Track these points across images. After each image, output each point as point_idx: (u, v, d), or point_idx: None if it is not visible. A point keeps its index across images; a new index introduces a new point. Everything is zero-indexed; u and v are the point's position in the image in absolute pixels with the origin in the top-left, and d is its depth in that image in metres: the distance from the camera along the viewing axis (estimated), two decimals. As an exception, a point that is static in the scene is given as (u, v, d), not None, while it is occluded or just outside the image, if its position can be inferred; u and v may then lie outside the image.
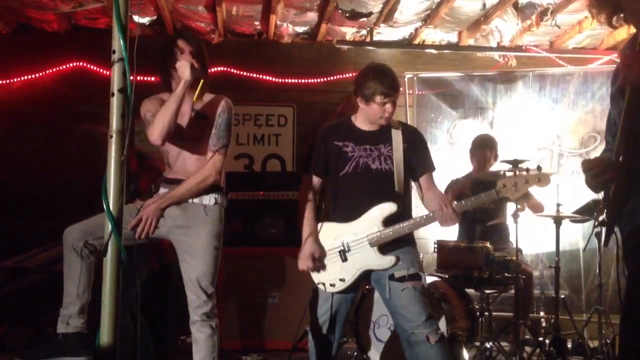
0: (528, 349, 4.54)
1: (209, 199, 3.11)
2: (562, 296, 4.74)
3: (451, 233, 5.11)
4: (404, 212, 3.16)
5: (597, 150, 5.65)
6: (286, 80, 6.36)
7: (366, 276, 3.22)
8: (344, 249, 3.19)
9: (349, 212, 3.21)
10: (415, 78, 6.26)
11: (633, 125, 2.20)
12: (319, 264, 3.19)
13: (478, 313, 4.46)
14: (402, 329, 3.07)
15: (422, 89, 6.31)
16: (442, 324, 3.93)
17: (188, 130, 3.14)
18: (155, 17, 5.96)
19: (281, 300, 5.08)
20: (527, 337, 4.66)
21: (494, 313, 4.73)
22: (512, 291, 4.54)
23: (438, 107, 6.27)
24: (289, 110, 6.32)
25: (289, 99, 6.34)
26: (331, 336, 3.24)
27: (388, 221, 3.12)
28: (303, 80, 6.38)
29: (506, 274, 4.42)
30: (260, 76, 6.31)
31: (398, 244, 3.13)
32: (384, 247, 3.12)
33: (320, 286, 3.24)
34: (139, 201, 3.25)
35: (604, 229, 4.72)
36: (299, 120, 6.31)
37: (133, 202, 3.29)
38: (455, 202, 3.07)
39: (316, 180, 3.35)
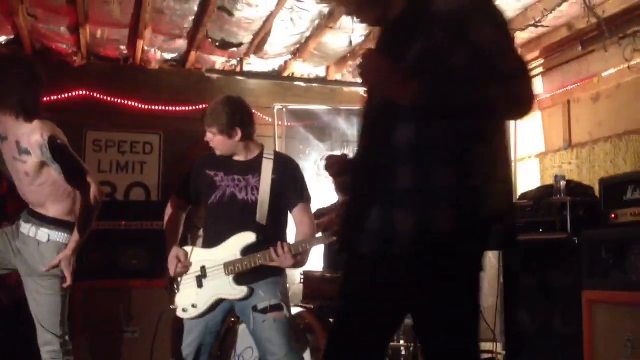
0: (389, 377, 4.66)
1: (43, 235, 2.96)
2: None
3: (317, 264, 5.18)
4: (266, 243, 3.15)
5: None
6: (153, 107, 6.19)
7: (229, 308, 3.19)
8: (201, 274, 3.18)
9: (212, 240, 3.22)
10: (284, 110, 6.35)
11: (369, 122, 2.02)
12: (183, 269, 3.17)
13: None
14: None
15: (291, 121, 6.40)
16: (307, 355, 3.95)
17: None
18: (13, 36, 5.64)
19: (142, 334, 4.88)
20: (389, 365, 4.78)
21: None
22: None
23: (306, 139, 6.37)
24: (156, 138, 6.17)
25: (155, 126, 6.19)
26: None
27: (246, 251, 3.12)
28: (171, 108, 6.24)
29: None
30: (126, 102, 6.11)
31: (262, 274, 3.12)
32: (243, 277, 3.12)
33: (178, 310, 3.20)
34: (6, 224, 3.06)
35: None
36: (165, 148, 6.18)
37: (1, 226, 3.10)
38: (292, 244, 3.14)
39: (180, 202, 3.41)
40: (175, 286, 3.23)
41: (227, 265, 3.13)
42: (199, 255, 3.24)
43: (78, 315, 4.61)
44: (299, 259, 3.17)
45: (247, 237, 3.14)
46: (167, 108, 6.22)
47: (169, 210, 3.42)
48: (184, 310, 3.19)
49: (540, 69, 5.76)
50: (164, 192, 6.08)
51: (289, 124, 6.38)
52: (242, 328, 4.05)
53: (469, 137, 1.81)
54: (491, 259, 5.52)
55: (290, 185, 3.30)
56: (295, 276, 5.14)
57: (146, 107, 6.17)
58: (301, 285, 4.68)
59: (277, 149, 6.16)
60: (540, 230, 4.24)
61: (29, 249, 2.91)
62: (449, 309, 1.86)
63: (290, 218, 3.39)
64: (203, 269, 3.19)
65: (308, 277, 4.63)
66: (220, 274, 3.15)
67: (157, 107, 6.20)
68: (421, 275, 1.82)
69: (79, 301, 4.63)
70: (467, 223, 1.80)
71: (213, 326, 3.22)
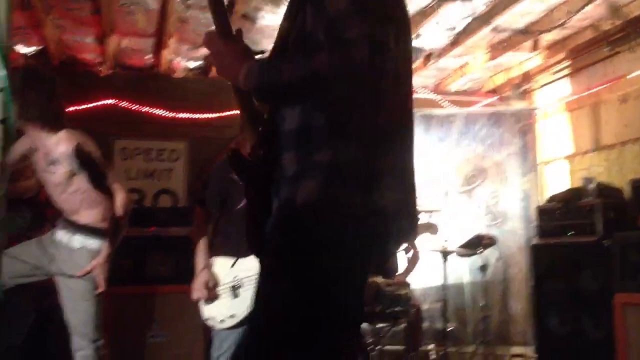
0: (418, 381, 4.63)
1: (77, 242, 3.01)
2: (450, 328, 4.90)
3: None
4: None
5: (480, 188, 5.94)
6: (179, 115, 6.26)
7: None
8: (236, 284, 3.14)
9: (243, 248, 3.15)
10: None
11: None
12: (212, 295, 3.13)
13: (370, 347, 4.51)
14: None
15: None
16: None
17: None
18: (40, 48, 5.73)
19: (171, 339, 4.91)
20: (417, 369, 4.75)
21: (385, 346, 4.79)
22: (403, 325, 4.63)
23: (330, 145, 6.36)
24: (182, 145, 6.22)
25: (181, 134, 6.25)
26: None
27: None
28: (196, 115, 6.30)
29: (397, 308, 4.51)
30: (152, 110, 6.17)
31: None
32: None
33: (209, 322, 3.17)
34: (48, 228, 3.12)
35: (489, 262, 5.01)
36: (192, 155, 6.22)
37: (43, 232, 3.15)
38: None
39: (205, 212, 3.33)
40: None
41: None
42: (227, 265, 3.18)
43: (107, 321, 4.64)
44: None
45: None
46: (192, 116, 6.27)
47: (195, 222, 3.37)
48: (221, 321, 3.14)
49: (567, 71, 5.71)
50: (190, 198, 6.13)
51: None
52: None
53: (351, 117, 1.64)
54: (519, 262, 5.47)
55: None
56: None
57: (172, 114, 6.23)
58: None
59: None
60: (570, 233, 4.19)
61: (63, 255, 2.95)
62: (264, 295, 1.67)
63: None
64: (236, 278, 3.14)
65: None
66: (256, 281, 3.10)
67: (182, 115, 6.25)
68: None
69: (107, 307, 4.66)
70: (337, 203, 1.60)
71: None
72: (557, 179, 5.78)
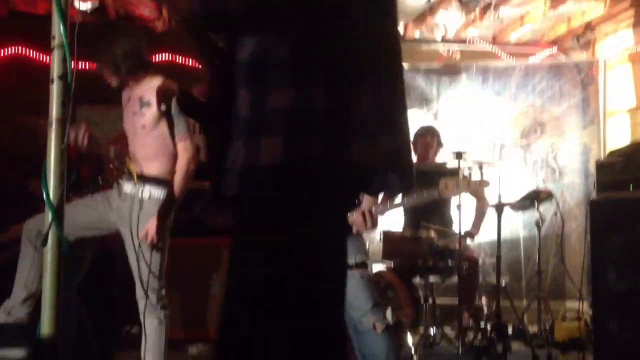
0: (470, 334, 4.65)
1: (145, 192, 3.08)
2: (503, 283, 4.87)
3: (397, 222, 5.19)
4: None
5: (538, 142, 5.81)
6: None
7: None
8: None
9: None
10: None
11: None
12: None
13: (422, 300, 4.55)
14: (349, 317, 3.06)
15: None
16: (388, 313, 3.98)
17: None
18: (97, 3, 5.83)
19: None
20: (470, 323, 4.77)
21: (437, 300, 4.82)
22: (456, 278, 4.64)
23: (384, 99, 6.30)
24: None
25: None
26: None
27: None
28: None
29: (449, 263, 4.52)
30: (207, 66, 6.22)
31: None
32: None
33: None
34: (84, 190, 3.23)
35: (545, 218, 4.93)
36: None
37: (81, 194, 3.27)
38: (383, 204, 3.09)
39: None
40: None
41: None
42: None
43: (167, 272, 4.82)
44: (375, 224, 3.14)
45: None
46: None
47: None
48: None
49: (631, 20, 5.47)
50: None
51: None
52: None
53: (314, 53, 1.39)
54: (577, 217, 5.37)
55: None
56: (375, 235, 5.17)
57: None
58: (380, 244, 4.70)
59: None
60: (631, 188, 4.08)
61: (131, 205, 3.05)
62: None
63: None
64: None
65: (388, 236, 4.65)
66: None
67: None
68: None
69: (168, 258, 4.82)
70: (306, 162, 1.37)
71: None
72: (619, 133, 5.60)
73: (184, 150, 3.11)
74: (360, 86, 1.44)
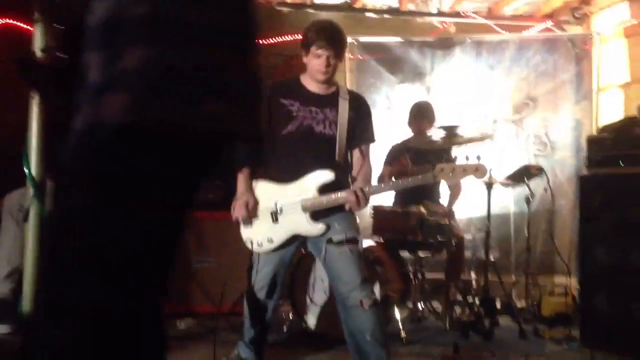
0: (458, 309, 4.68)
1: None
2: (492, 258, 4.90)
3: (387, 198, 5.20)
4: (342, 182, 3.13)
5: (530, 116, 5.79)
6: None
7: (301, 240, 3.23)
8: (276, 210, 3.16)
9: (286, 174, 3.16)
10: (355, 42, 6.24)
11: None
12: (252, 216, 3.18)
13: (411, 275, 4.56)
14: (337, 292, 3.08)
15: (362, 54, 6.30)
16: (376, 288, 4.00)
17: None
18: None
19: (218, 265, 5.07)
20: (458, 298, 4.80)
21: (426, 275, 4.84)
22: (445, 254, 4.65)
23: (377, 72, 6.28)
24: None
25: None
26: (268, 300, 3.26)
27: (324, 189, 3.08)
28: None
29: (439, 238, 4.53)
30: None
31: (337, 207, 3.09)
32: (318, 213, 3.10)
33: (247, 244, 3.22)
34: None
35: (535, 193, 4.93)
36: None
37: None
38: (368, 189, 3.08)
39: None
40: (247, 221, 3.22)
41: (304, 203, 3.08)
42: (271, 190, 3.19)
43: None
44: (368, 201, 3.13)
45: (326, 175, 3.08)
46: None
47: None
48: (258, 244, 3.19)
49: (627, -7, 5.41)
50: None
51: (360, 57, 6.29)
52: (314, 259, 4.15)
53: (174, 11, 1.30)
54: (568, 193, 5.38)
55: (362, 123, 3.25)
56: (365, 210, 5.17)
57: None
58: (370, 220, 4.70)
59: (347, 83, 6.12)
60: (621, 163, 4.07)
61: None
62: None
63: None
64: (277, 204, 3.16)
65: (378, 212, 4.64)
66: (297, 210, 3.11)
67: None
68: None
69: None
70: (152, 119, 1.27)
71: (287, 258, 3.25)
72: (612, 108, 5.58)
73: None
74: (217, 48, 1.35)
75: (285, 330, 4.33)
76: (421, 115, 5.07)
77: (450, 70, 6.06)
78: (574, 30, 6.16)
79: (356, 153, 3.27)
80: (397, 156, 5.07)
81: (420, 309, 4.69)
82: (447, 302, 4.56)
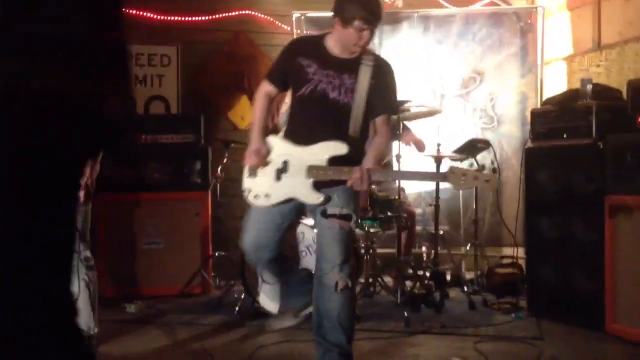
0: (409, 283, 4.73)
1: None
2: (442, 232, 4.95)
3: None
4: (354, 156, 3.00)
5: (477, 90, 5.84)
6: (169, 18, 6.08)
7: (299, 206, 3.12)
8: (282, 168, 3.06)
9: (298, 135, 3.07)
10: (303, 17, 6.16)
11: None
12: (262, 165, 3.07)
13: (363, 251, 4.58)
14: (318, 267, 3.01)
15: (311, 29, 6.22)
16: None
17: None
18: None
19: (166, 246, 5.00)
20: (409, 272, 4.84)
21: (377, 250, 4.87)
22: (395, 229, 4.68)
23: (325, 48, 6.21)
24: (173, 50, 6.08)
25: (172, 38, 6.09)
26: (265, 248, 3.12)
27: (333, 160, 2.97)
28: (187, 18, 6.12)
29: (389, 213, 4.54)
30: (141, 13, 5.99)
31: (339, 181, 2.98)
32: (321, 183, 3.00)
33: (245, 193, 3.12)
34: None
35: (483, 166, 5.00)
36: (183, 60, 6.09)
37: None
38: (384, 172, 3.03)
39: (272, 88, 3.19)
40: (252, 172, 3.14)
41: (310, 169, 2.98)
42: (283, 148, 3.10)
43: (101, 228, 4.72)
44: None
45: (338, 148, 2.97)
46: (183, 18, 6.10)
47: (257, 95, 3.25)
48: (255, 196, 3.09)
49: (570, -34, 5.48)
50: (183, 105, 6.05)
51: (307, 32, 6.21)
52: (299, 228, 4.13)
53: None
54: (514, 164, 5.46)
55: (384, 92, 3.08)
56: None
57: (162, 17, 6.06)
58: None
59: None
60: (565, 135, 4.14)
61: None
62: None
63: None
64: (285, 163, 3.06)
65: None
66: (301, 174, 3.00)
67: (173, 18, 6.08)
68: None
69: (103, 214, 4.72)
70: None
71: (280, 219, 3.11)
72: (556, 81, 5.66)
73: None
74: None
75: (237, 310, 4.30)
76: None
77: (398, 45, 6.05)
78: (519, 3, 6.21)
79: (373, 125, 3.13)
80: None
81: (372, 284, 4.72)
82: (398, 276, 4.60)
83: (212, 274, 5.21)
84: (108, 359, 3.15)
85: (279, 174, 3.06)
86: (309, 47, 3.12)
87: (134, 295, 4.73)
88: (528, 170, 4.40)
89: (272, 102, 3.28)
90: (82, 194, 2.83)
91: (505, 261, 5.08)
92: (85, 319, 2.90)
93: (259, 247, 3.10)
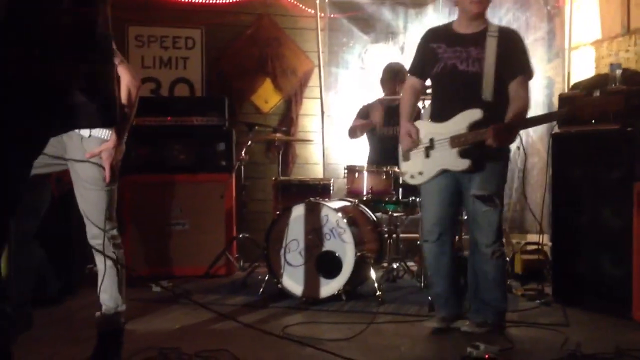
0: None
1: (85, 130, 2.92)
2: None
3: (361, 157, 5.18)
4: (491, 117, 3.21)
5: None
6: (194, 0, 6.08)
7: (452, 180, 3.39)
8: (429, 145, 3.39)
9: (438, 113, 3.43)
10: (327, 0, 6.14)
11: None
12: (416, 145, 3.43)
13: (386, 235, 4.57)
14: (475, 240, 3.44)
15: (334, 12, 6.20)
16: (351, 247, 4.00)
17: None
18: None
19: (191, 227, 5.04)
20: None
21: (401, 235, 4.86)
22: (419, 213, 4.66)
23: (350, 31, 6.19)
24: (197, 33, 6.08)
25: (197, 20, 6.09)
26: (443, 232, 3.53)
27: (472, 127, 3.23)
28: (212, 1, 6.12)
29: (413, 198, 4.53)
30: (166, -5, 6.01)
31: (490, 158, 3.28)
32: (467, 152, 3.25)
33: (404, 176, 3.55)
34: None
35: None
36: (207, 43, 6.10)
37: None
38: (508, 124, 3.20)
39: (414, 80, 3.56)
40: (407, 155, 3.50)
41: (452, 139, 3.28)
42: (427, 128, 3.45)
43: (126, 209, 4.76)
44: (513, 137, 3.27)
45: (474, 114, 3.23)
46: (207, 1, 6.09)
47: (403, 91, 3.69)
48: (412, 176, 3.49)
49: (599, -51, 5.37)
50: (207, 87, 6.06)
51: (331, 15, 6.19)
52: (291, 219, 4.13)
53: None
54: (540, 150, 5.41)
55: (513, 56, 3.32)
56: (339, 170, 5.16)
57: (186, 0, 6.06)
58: (344, 180, 4.67)
59: (319, 42, 6.03)
60: (593, 121, 4.09)
61: (74, 143, 2.93)
62: None
63: None
64: (431, 141, 3.39)
65: (352, 172, 4.62)
66: (446, 146, 3.31)
67: (197, 1, 6.08)
68: None
69: (129, 196, 4.76)
70: None
71: (447, 198, 3.44)
72: (584, 66, 5.58)
73: (124, 73, 2.91)
74: None
75: (260, 291, 4.33)
76: (394, 76, 5.04)
77: (423, 28, 5.97)
78: (547, -13, 6.12)
79: (512, 87, 3.32)
80: (370, 112, 5.08)
81: (395, 267, 4.71)
82: (422, 261, 4.59)
83: (236, 256, 5.25)
84: (132, 336, 3.19)
85: (428, 151, 3.41)
86: (438, 32, 3.49)
87: (159, 275, 4.78)
88: (555, 156, 4.35)
89: (418, 94, 3.65)
90: (107, 174, 2.85)
91: (530, 247, 5.05)
92: (114, 295, 2.92)
93: (442, 229, 3.50)
